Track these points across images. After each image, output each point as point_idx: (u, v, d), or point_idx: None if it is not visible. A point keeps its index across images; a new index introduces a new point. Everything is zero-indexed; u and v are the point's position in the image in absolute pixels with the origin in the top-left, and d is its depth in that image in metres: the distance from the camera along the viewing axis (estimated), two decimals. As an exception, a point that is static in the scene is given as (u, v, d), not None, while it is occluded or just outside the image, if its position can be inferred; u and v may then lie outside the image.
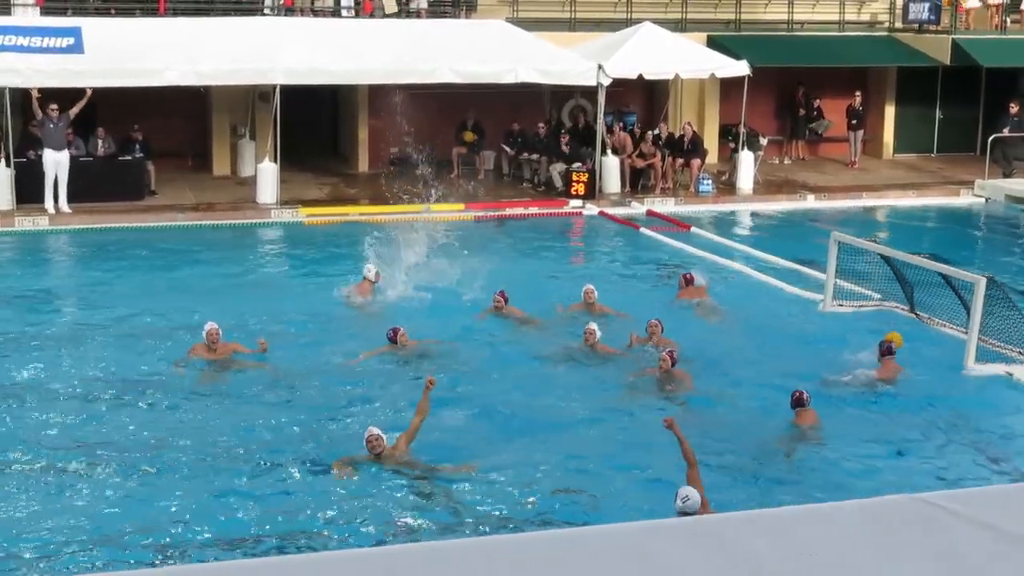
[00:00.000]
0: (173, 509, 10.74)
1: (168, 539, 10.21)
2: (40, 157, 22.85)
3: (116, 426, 12.70)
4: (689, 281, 17.98)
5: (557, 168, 26.13)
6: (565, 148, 26.26)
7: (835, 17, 31.50)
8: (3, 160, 22.87)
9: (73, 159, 23.23)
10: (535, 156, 26.98)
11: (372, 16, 27.01)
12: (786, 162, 30.77)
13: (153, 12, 25.95)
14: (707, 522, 3.58)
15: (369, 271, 17.60)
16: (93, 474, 11.48)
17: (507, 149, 27.66)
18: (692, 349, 15.30)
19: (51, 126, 22.77)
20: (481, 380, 14.40)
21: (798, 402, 12.80)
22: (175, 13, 26.11)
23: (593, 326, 15.37)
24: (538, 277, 19.40)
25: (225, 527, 10.50)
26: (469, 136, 27.48)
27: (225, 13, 26.43)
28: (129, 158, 24.45)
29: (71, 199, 22.84)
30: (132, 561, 9.66)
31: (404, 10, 27.64)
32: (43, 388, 13.83)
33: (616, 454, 12.24)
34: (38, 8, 25.05)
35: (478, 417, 13.22)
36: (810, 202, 26.63)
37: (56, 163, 22.74)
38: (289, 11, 27.19)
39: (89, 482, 11.29)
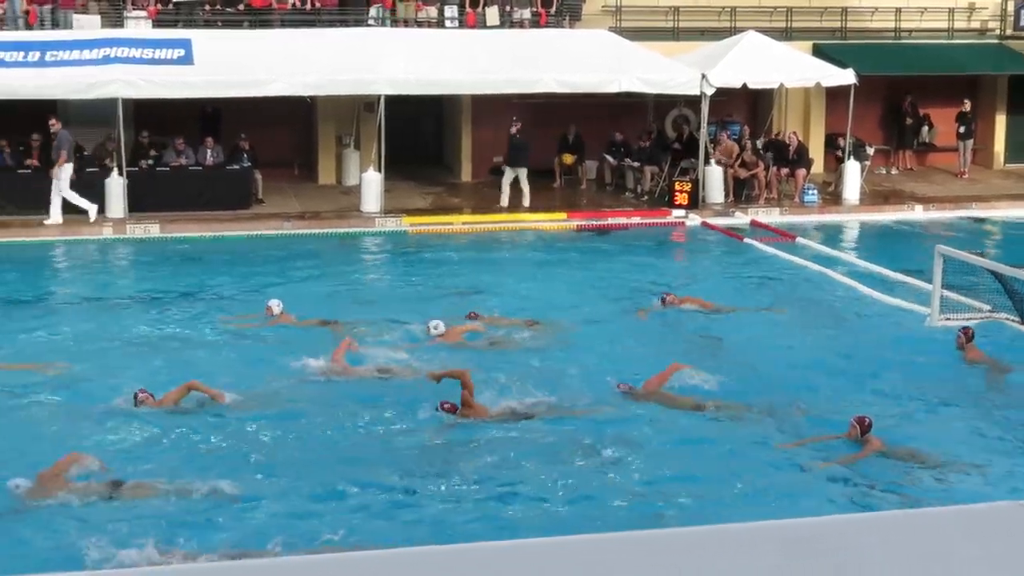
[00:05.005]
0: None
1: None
2: (152, 167, 23.29)
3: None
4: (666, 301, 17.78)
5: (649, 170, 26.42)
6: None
7: (943, 25, 30.96)
8: (116, 169, 23.39)
9: (183, 168, 23.72)
10: (637, 164, 26.89)
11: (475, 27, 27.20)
12: (893, 172, 30.27)
13: (261, 25, 26.36)
14: (805, 526, 3.54)
15: (273, 307, 16.88)
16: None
17: (609, 159, 27.61)
18: (779, 361, 15.21)
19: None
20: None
21: (868, 428, 12.46)
22: (283, 25, 26.50)
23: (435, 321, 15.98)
24: (639, 287, 19.36)
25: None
26: (568, 159, 27.41)
27: (331, 24, 26.77)
28: (237, 167, 24.89)
29: (180, 208, 23.25)
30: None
31: (507, 21, 27.76)
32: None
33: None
34: (150, 21, 25.62)
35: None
36: (918, 213, 26.19)
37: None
38: (394, 22, 27.46)
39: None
